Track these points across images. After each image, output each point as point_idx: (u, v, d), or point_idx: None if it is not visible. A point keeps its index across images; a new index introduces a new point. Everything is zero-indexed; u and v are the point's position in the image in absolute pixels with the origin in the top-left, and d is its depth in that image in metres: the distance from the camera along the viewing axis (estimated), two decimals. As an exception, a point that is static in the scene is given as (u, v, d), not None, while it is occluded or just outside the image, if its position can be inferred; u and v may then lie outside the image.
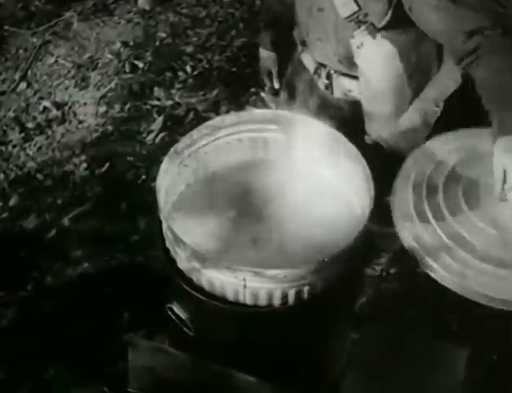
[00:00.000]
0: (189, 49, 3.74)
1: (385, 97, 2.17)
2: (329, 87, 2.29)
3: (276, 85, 2.46)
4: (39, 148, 3.31)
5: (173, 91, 3.51)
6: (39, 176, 3.19)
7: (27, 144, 3.33)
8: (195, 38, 3.81)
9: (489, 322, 2.63)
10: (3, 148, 3.32)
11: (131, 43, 3.78)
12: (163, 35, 3.82)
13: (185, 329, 2.18)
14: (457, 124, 2.16)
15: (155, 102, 3.47)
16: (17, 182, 3.17)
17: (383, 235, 2.16)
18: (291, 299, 2.03)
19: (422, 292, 2.75)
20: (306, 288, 2.01)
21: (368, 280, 2.69)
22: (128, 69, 3.65)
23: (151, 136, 3.30)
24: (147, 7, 3.99)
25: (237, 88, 3.43)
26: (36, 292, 2.78)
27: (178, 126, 3.33)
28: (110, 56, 3.72)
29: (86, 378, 2.60)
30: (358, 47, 2.08)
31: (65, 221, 3.00)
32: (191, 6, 4.02)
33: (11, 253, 2.88)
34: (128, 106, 3.47)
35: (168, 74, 3.59)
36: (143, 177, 3.16)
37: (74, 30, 3.86)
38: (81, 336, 2.66)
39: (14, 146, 3.33)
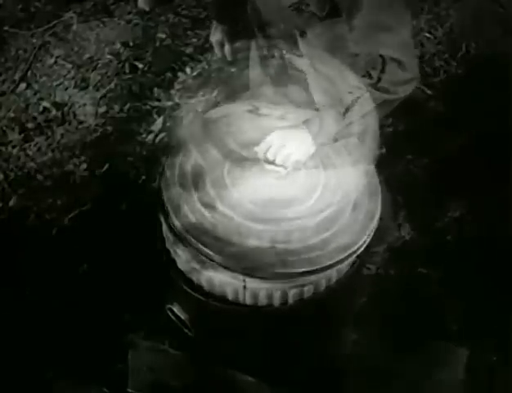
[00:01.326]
0: (188, 50, 3.74)
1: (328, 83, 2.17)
2: (283, 65, 2.31)
3: (229, 58, 2.44)
4: (39, 149, 3.31)
5: (173, 91, 3.51)
6: (39, 176, 3.19)
7: (27, 144, 3.33)
8: (194, 39, 3.81)
9: (488, 321, 2.64)
10: (3, 149, 3.32)
11: (130, 44, 3.78)
12: (163, 36, 3.82)
13: (185, 330, 2.18)
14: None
15: (155, 103, 3.47)
16: (17, 183, 3.17)
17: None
18: (291, 299, 2.03)
19: (422, 293, 2.76)
20: (306, 288, 2.01)
21: (368, 280, 2.69)
22: (127, 69, 3.65)
23: (151, 136, 3.30)
24: (147, 8, 3.98)
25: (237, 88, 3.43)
26: (36, 293, 2.78)
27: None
28: (109, 56, 3.72)
29: (86, 378, 2.60)
30: (301, 36, 2.11)
31: (65, 221, 3.00)
32: (191, 7, 4.02)
33: (11, 253, 2.88)
34: (127, 106, 3.47)
35: (168, 75, 3.59)
36: (143, 177, 3.15)
37: (73, 31, 3.86)
38: (81, 336, 2.66)
39: (14, 147, 3.33)
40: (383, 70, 1.91)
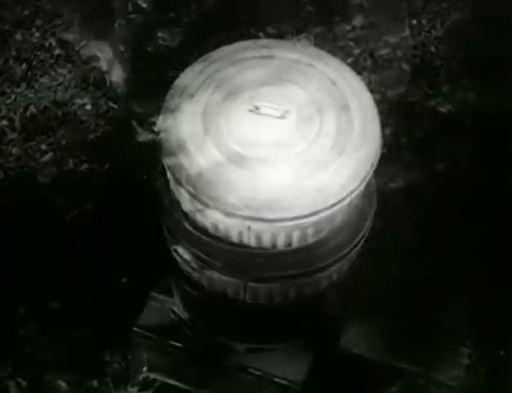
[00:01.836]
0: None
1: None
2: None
3: None
4: (40, 148, 3.31)
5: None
6: (40, 177, 3.19)
7: (28, 144, 3.33)
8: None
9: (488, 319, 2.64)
10: (4, 148, 3.32)
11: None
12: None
13: (185, 329, 2.18)
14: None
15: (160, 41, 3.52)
16: (18, 182, 3.17)
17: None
18: (291, 296, 2.03)
19: (422, 291, 2.76)
20: (306, 287, 2.01)
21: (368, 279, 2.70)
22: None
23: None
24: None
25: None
26: (37, 293, 2.79)
27: (183, 67, 3.35)
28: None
29: (87, 376, 2.61)
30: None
31: (66, 221, 3.00)
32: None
33: (12, 254, 2.89)
34: (128, 105, 3.47)
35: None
36: (144, 177, 3.15)
37: (73, 30, 3.86)
38: (82, 335, 2.67)
39: (14, 146, 3.33)
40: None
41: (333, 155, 1.98)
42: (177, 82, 2.14)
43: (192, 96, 2.09)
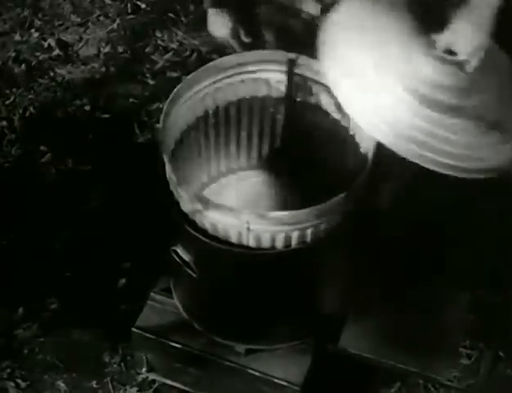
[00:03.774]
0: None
1: None
2: None
3: (246, 40, 2.39)
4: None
5: (177, 31, 3.53)
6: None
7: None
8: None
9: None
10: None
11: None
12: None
13: (189, 271, 2.14)
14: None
15: (159, 42, 3.52)
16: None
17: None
18: (294, 242, 2.02)
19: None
20: (309, 231, 2.00)
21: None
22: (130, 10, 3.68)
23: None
24: None
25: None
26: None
27: (182, 68, 3.37)
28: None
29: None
30: None
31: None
32: None
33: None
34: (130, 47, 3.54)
35: (171, 15, 3.61)
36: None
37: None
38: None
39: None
40: None
41: None
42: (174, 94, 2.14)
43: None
